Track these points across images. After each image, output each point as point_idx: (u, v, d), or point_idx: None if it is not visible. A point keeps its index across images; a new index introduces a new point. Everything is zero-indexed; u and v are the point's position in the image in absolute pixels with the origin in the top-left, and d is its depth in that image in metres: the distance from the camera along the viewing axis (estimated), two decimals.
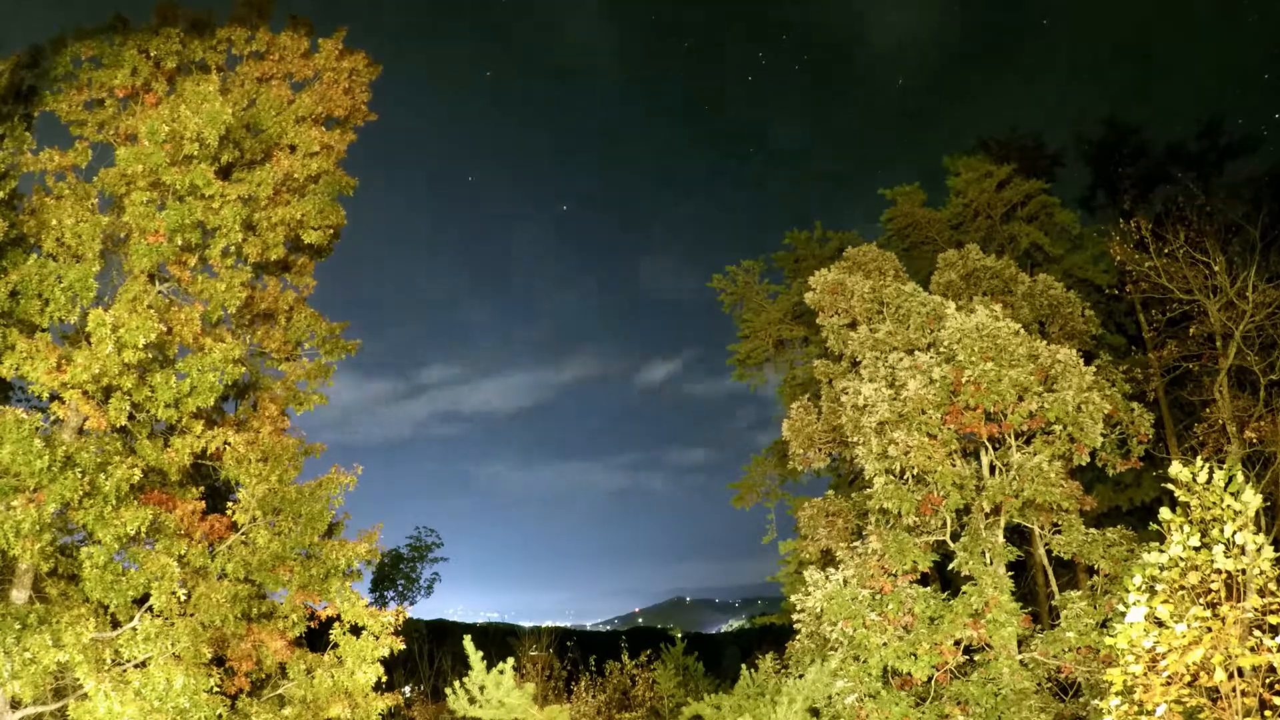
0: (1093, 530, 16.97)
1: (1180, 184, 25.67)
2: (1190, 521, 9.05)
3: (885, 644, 15.55)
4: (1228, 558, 8.75)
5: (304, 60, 16.78)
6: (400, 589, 30.49)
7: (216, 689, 13.71)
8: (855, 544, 17.65)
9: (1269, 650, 8.59)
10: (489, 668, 13.44)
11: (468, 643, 13.65)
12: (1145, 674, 9.02)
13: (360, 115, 17.29)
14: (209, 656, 13.89)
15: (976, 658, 15.99)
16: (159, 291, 14.83)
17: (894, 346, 17.90)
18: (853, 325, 19.79)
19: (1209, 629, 8.71)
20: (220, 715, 13.46)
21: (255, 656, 15.12)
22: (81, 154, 15.16)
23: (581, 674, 25.46)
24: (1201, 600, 8.91)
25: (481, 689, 13.28)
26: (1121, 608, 9.50)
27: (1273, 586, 8.83)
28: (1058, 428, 16.26)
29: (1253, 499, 8.83)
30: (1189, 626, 8.74)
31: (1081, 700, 15.85)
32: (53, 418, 14.02)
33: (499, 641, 32.05)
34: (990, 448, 16.98)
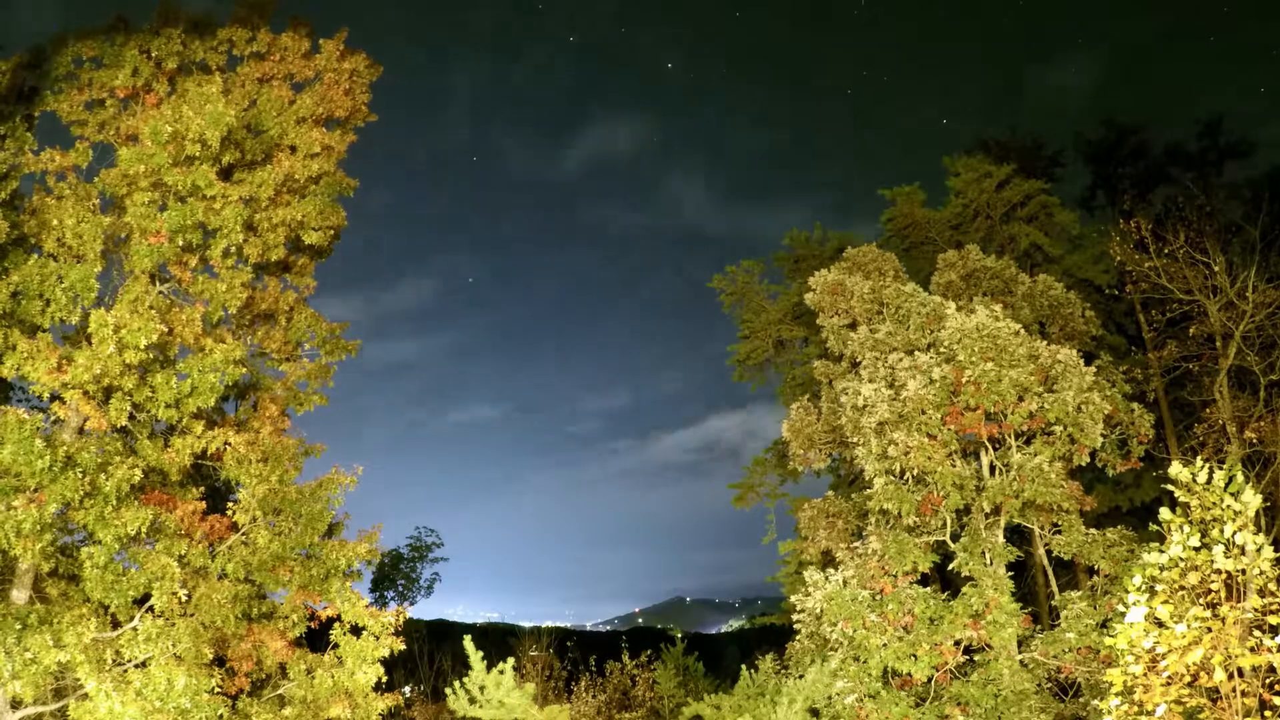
0: (1093, 530, 16.97)
1: (1180, 184, 25.70)
2: (1190, 522, 9.06)
3: (885, 644, 15.55)
4: (1228, 558, 8.76)
5: (305, 61, 16.78)
6: (400, 589, 30.52)
7: (217, 689, 13.72)
8: (855, 544, 17.65)
9: (1269, 650, 8.60)
10: (489, 668, 13.47)
11: (468, 643, 13.67)
12: (1145, 674, 9.03)
13: (361, 116, 17.29)
14: (210, 657, 13.90)
15: (976, 658, 15.99)
16: (160, 292, 14.84)
17: (894, 347, 17.91)
18: (853, 326, 19.80)
19: (1209, 629, 8.72)
20: (221, 715, 13.47)
21: (255, 656, 15.12)
22: (83, 154, 15.16)
23: (581, 674, 25.47)
24: (1201, 600, 8.92)
25: (481, 689, 13.30)
26: (1121, 608, 9.51)
27: (1273, 586, 8.84)
28: (1058, 428, 16.27)
29: (1253, 499, 8.84)
30: (1189, 627, 8.75)
31: (1081, 700, 15.85)
32: (53, 418, 14.04)
33: (499, 641, 32.06)
34: (990, 448, 16.98)
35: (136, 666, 13.28)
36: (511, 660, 13.70)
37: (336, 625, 15.63)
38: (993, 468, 17.00)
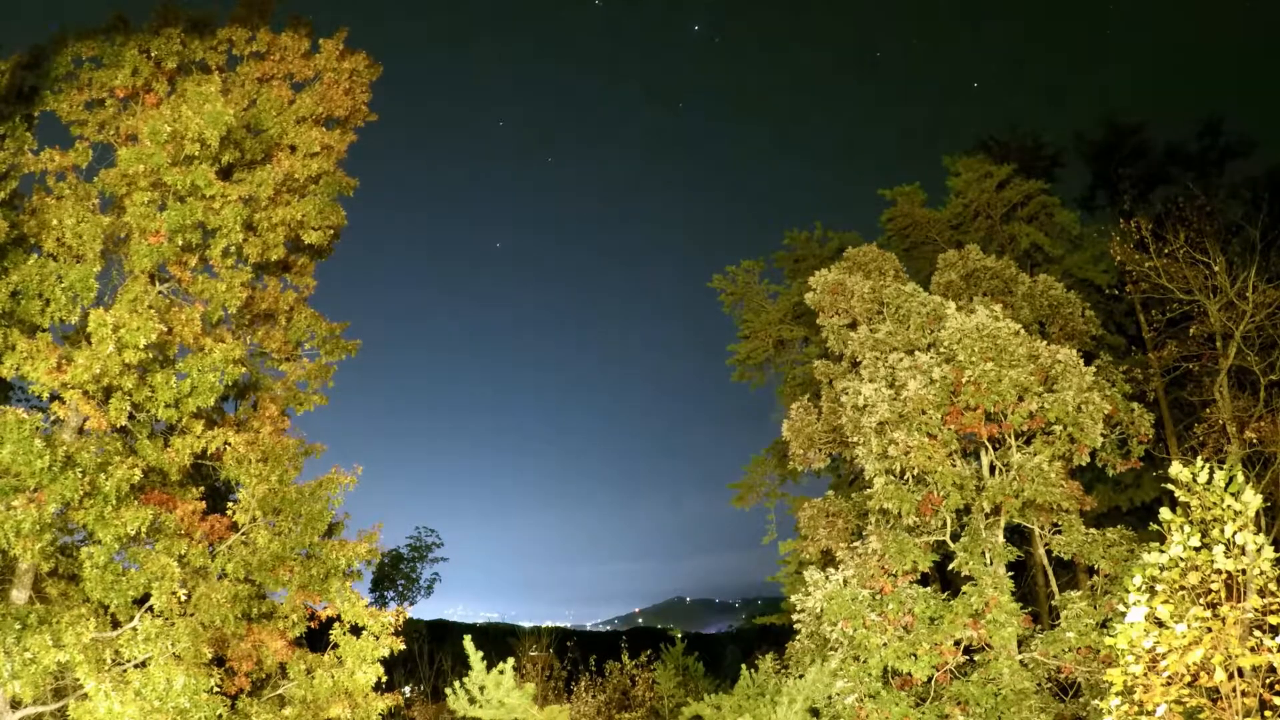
0: (1093, 530, 16.97)
1: (1180, 184, 25.70)
2: (1190, 522, 9.05)
3: (885, 644, 15.55)
4: (1228, 558, 8.76)
5: (305, 61, 16.77)
6: (400, 589, 30.55)
7: (217, 689, 13.71)
8: (855, 544, 17.65)
9: (1269, 650, 8.60)
10: (489, 668, 13.46)
11: (468, 643, 13.67)
12: (1145, 674, 9.03)
13: (360, 116, 17.30)
14: (209, 656, 13.89)
15: (976, 658, 15.99)
16: (159, 292, 14.83)
17: (894, 347, 17.90)
18: (853, 325, 19.80)
19: (1209, 629, 8.72)
20: (220, 715, 13.45)
21: (255, 656, 15.11)
22: (82, 154, 15.16)
23: (581, 674, 25.48)
24: (1201, 600, 8.91)
25: (481, 689, 13.30)
26: (1121, 608, 9.51)
27: (1273, 586, 8.84)
28: (1058, 428, 16.26)
29: (1253, 499, 8.84)
30: (1189, 627, 8.75)
31: (1081, 700, 15.86)
32: (53, 418, 14.02)
33: (499, 641, 32.06)
34: (990, 448, 16.97)
35: (136, 666, 13.28)
36: (511, 660, 13.69)
37: (336, 625, 15.63)
38: (993, 467, 17.00)
